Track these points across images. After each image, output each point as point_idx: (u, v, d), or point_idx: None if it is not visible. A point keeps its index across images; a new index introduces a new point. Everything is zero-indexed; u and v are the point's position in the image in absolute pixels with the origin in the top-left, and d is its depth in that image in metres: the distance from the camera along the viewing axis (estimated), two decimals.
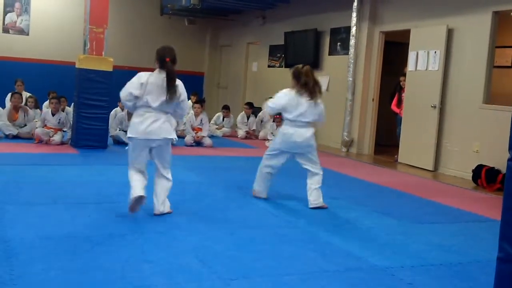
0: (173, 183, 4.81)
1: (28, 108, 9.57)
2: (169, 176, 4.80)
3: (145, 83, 4.63)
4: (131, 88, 4.66)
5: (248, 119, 11.96)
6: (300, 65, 5.55)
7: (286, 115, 5.45)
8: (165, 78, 4.60)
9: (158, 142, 4.65)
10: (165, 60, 4.65)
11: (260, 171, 5.69)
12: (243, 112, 12.06)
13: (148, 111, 4.63)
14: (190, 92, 12.77)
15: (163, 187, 4.75)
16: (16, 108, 9.37)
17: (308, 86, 5.37)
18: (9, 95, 10.91)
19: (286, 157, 5.59)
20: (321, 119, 5.51)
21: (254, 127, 11.88)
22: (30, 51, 13.91)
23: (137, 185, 4.59)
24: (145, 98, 4.62)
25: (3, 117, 9.47)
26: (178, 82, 4.75)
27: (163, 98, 4.61)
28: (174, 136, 4.75)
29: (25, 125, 9.40)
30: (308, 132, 5.42)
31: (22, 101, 9.65)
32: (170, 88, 4.61)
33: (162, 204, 4.72)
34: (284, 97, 5.45)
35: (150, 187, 4.74)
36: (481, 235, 4.86)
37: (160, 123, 4.64)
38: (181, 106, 4.82)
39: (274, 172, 5.68)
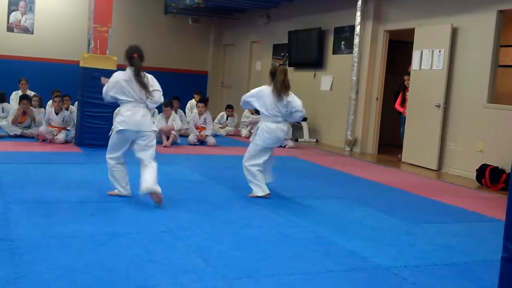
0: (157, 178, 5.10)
1: (35, 116, 9.54)
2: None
3: (116, 81, 5.10)
4: (106, 89, 5.19)
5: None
6: (277, 65, 5.72)
7: (262, 111, 5.66)
8: (132, 73, 5.05)
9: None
10: (133, 57, 5.07)
11: (251, 173, 5.70)
12: (246, 111, 12.05)
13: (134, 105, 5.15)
14: (193, 91, 12.91)
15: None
16: (24, 113, 9.40)
17: (276, 87, 5.58)
18: (14, 94, 10.98)
19: (269, 152, 5.79)
20: (297, 114, 5.71)
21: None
22: (35, 50, 13.95)
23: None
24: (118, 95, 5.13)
25: (8, 118, 9.51)
26: (148, 75, 5.17)
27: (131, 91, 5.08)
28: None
29: (30, 126, 9.44)
30: (285, 127, 5.76)
31: (30, 106, 9.61)
32: (139, 80, 5.05)
33: None
34: (256, 92, 5.70)
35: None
36: (485, 235, 4.85)
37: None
38: (152, 94, 5.14)
39: (262, 169, 5.76)
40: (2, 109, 10.13)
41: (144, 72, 5.13)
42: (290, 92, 5.65)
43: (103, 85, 5.34)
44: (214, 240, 4.08)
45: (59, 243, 3.76)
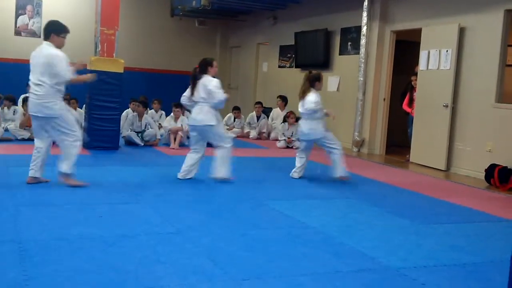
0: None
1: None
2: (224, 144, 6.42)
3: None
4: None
5: (258, 119, 11.96)
6: (314, 71, 7.05)
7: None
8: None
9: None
10: (195, 67, 6.45)
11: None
12: (254, 112, 12.06)
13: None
14: None
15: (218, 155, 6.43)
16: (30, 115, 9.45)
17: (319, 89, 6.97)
18: (21, 98, 11.02)
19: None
20: None
21: (264, 129, 11.84)
22: None
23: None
24: None
25: (16, 122, 9.57)
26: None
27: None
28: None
29: None
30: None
31: None
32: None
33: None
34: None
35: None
36: (494, 235, 4.83)
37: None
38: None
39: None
40: (14, 111, 10.21)
41: (201, 76, 6.35)
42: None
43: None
44: (223, 241, 4.08)
45: (68, 245, 3.78)
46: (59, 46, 5.65)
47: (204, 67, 6.44)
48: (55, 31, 5.65)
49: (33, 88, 5.59)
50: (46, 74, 5.50)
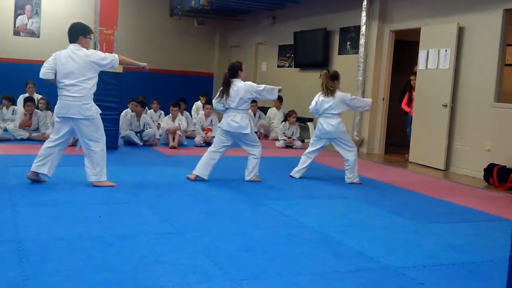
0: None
1: (39, 111, 9.68)
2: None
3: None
4: None
5: (254, 116, 11.92)
6: (325, 71, 7.09)
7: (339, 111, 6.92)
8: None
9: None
10: (226, 73, 6.54)
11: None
12: (249, 110, 12.01)
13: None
14: (199, 93, 12.93)
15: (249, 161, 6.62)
16: (30, 115, 9.50)
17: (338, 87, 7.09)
18: (21, 98, 11.03)
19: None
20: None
21: (262, 130, 11.82)
22: (41, 53, 13.92)
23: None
24: None
25: (15, 122, 9.58)
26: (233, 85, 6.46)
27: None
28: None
29: (37, 128, 9.51)
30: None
31: (34, 108, 9.81)
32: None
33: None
34: None
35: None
36: (493, 234, 4.82)
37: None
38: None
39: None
40: (13, 111, 10.23)
41: (232, 81, 6.40)
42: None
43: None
44: (222, 241, 4.08)
45: (67, 245, 3.77)
46: (86, 47, 5.68)
47: (234, 72, 6.48)
48: (82, 33, 5.67)
49: (69, 91, 5.56)
50: (88, 75, 5.56)
